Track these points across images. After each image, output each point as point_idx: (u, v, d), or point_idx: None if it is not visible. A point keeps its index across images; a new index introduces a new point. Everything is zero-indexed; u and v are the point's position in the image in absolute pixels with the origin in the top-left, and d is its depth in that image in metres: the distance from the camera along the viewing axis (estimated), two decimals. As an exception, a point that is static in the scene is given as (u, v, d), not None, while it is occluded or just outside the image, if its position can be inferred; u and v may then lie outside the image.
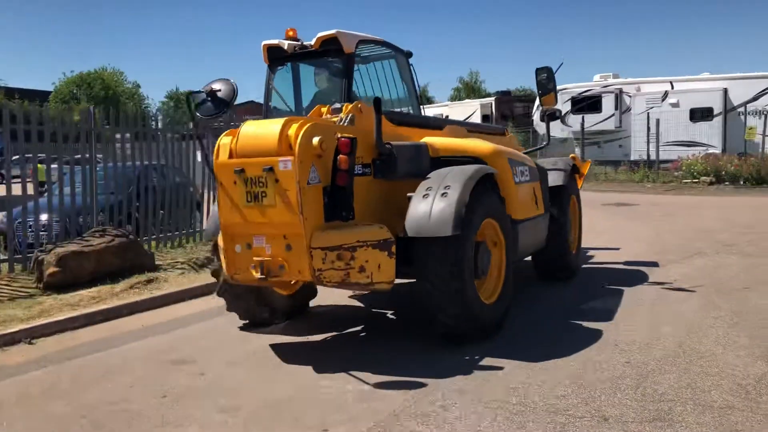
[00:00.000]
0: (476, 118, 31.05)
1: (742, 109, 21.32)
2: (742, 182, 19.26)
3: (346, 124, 5.25)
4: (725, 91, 21.65)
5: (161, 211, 10.12)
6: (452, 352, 5.04)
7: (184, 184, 10.73)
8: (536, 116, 25.98)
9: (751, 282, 7.13)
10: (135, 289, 7.52)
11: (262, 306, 5.95)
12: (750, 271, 7.68)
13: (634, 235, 10.74)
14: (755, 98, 21.15)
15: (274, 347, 5.46)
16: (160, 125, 11.18)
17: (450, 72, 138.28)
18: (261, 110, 6.59)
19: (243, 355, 5.31)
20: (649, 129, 22.06)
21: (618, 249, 9.47)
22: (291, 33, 6.23)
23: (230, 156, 4.90)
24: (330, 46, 6.02)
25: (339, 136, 4.88)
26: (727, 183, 19.52)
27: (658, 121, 21.65)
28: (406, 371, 4.67)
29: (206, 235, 7.32)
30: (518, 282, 6.42)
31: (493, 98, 32.01)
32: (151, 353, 5.52)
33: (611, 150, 24.32)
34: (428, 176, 5.26)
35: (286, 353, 5.29)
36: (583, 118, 23.47)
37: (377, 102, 5.19)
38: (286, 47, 6.17)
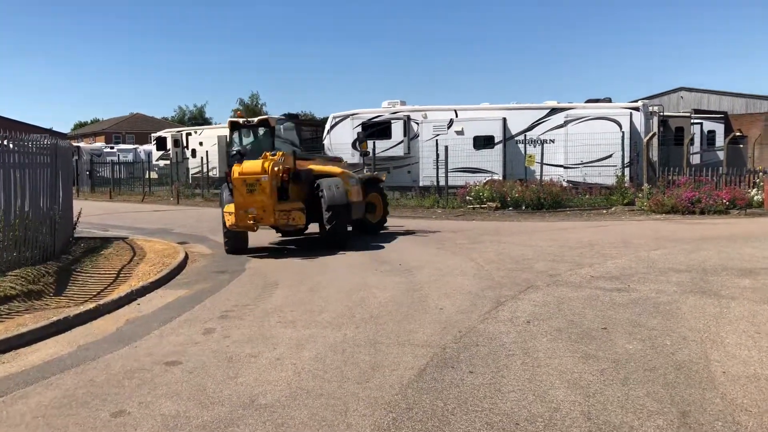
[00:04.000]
0: (263, 141, 29.79)
1: (520, 138, 22.48)
2: (524, 207, 20.13)
3: (282, 161, 12.21)
4: (504, 120, 22.72)
5: None
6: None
7: None
8: (327, 141, 25.39)
9: (604, 320, 6.67)
10: None
11: (242, 241, 12.56)
12: (593, 306, 7.28)
13: (455, 267, 10.13)
14: (530, 128, 22.44)
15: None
16: None
17: (231, 92, 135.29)
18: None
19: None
20: (438, 155, 22.36)
21: (446, 285, 8.71)
22: (240, 114, 16.81)
23: (240, 174, 11.76)
24: (264, 123, 14.28)
25: (281, 166, 12.14)
26: (510, 208, 20.31)
27: (446, 147, 22.01)
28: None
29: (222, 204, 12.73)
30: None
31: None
32: None
33: (400, 176, 24.30)
34: (320, 182, 12.75)
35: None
36: (374, 143, 23.16)
37: (295, 152, 13.33)
38: (241, 122, 14.39)
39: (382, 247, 12.64)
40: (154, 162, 37.52)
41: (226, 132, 32.66)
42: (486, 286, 8.52)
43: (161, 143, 37.18)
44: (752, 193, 18.51)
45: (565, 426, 4.05)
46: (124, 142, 60.22)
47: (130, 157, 42.58)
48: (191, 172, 33.36)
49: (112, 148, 47.14)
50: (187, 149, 34.54)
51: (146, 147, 45.74)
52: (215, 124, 62.33)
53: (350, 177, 13.84)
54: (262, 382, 5.03)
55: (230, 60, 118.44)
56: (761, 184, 18.59)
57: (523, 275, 9.26)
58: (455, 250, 12.05)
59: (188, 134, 35.26)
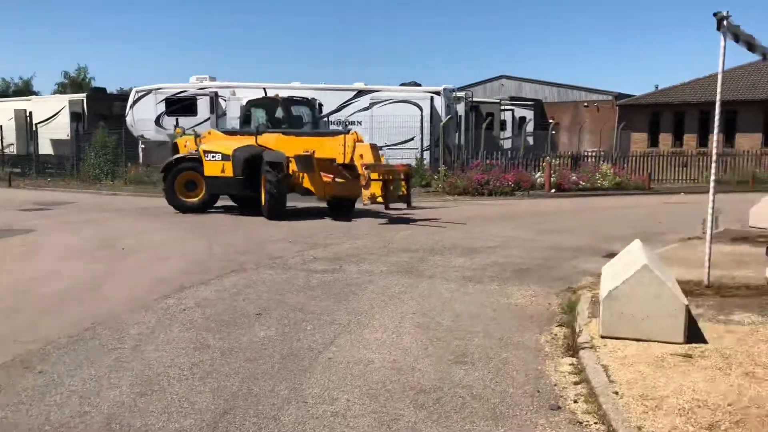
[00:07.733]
0: (65, 116, 27.34)
1: (332, 118, 22.08)
2: (327, 189, 19.73)
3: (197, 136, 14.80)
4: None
5: None
6: None
7: None
8: (129, 117, 23.67)
9: (270, 305, 6.22)
10: None
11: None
12: (279, 290, 6.82)
13: (183, 251, 9.38)
14: (339, 109, 22.11)
15: None
16: None
17: (60, 65, 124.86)
18: None
19: None
20: (243, 134, 21.45)
21: (148, 271, 7.96)
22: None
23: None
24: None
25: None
26: (314, 190, 19.84)
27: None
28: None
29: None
30: None
31: (84, 95, 28.41)
32: None
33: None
34: None
35: None
36: (177, 120, 21.89)
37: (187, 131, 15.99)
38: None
39: (124, 229, 11.66)
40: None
41: (26, 105, 30.27)
42: (189, 271, 7.86)
43: (-46, 117, 33.28)
44: (536, 176, 19.29)
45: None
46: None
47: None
48: (-12, 149, 30.08)
49: None
50: (-17, 124, 31.11)
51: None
52: (39, 96, 57.17)
53: (212, 152, 13.95)
54: None
55: (57, 29, 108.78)
56: (545, 167, 19.41)
57: (244, 258, 8.69)
58: (208, 234, 11.26)
59: (-17, 108, 31.74)
